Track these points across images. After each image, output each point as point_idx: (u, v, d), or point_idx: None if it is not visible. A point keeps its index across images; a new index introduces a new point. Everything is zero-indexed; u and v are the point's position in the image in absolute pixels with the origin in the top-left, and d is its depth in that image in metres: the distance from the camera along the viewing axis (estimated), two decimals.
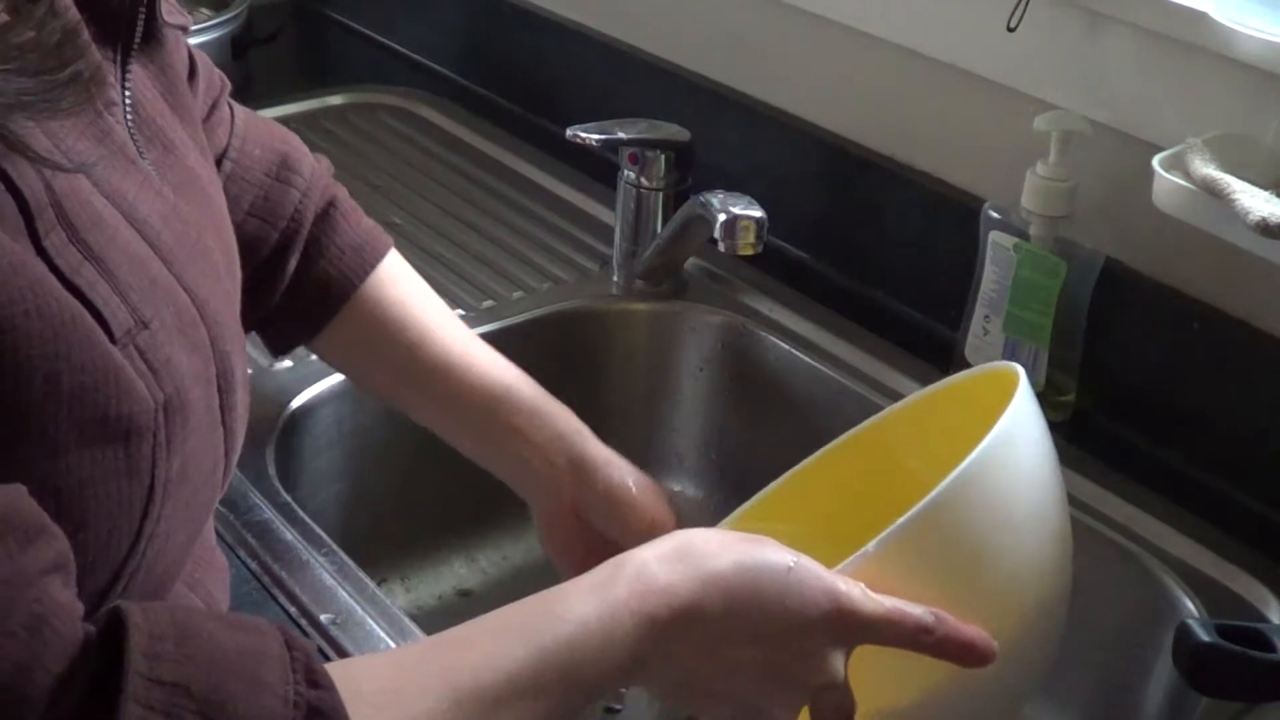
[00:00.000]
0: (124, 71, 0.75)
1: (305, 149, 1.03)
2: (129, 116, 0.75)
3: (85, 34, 0.67)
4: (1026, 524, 0.80)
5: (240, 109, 1.00)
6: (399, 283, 1.02)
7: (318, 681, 0.62)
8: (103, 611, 0.62)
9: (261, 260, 0.98)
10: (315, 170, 1.02)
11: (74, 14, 0.67)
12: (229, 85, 0.98)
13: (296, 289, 1.00)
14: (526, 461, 0.98)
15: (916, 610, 0.75)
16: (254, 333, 1.04)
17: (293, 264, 0.99)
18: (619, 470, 0.99)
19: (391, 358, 1.00)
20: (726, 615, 0.71)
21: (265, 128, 1.01)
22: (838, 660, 0.74)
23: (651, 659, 0.71)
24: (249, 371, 0.82)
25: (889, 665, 0.77)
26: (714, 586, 0.71)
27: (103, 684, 0.58)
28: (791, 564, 0.73)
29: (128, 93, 0.75)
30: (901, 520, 0.76)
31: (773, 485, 0.97)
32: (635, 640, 0.70)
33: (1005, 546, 0.79)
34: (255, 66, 1.79)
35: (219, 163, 0.94)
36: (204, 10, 1.75)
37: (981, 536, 0.78)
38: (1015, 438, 0.80)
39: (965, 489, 0.77)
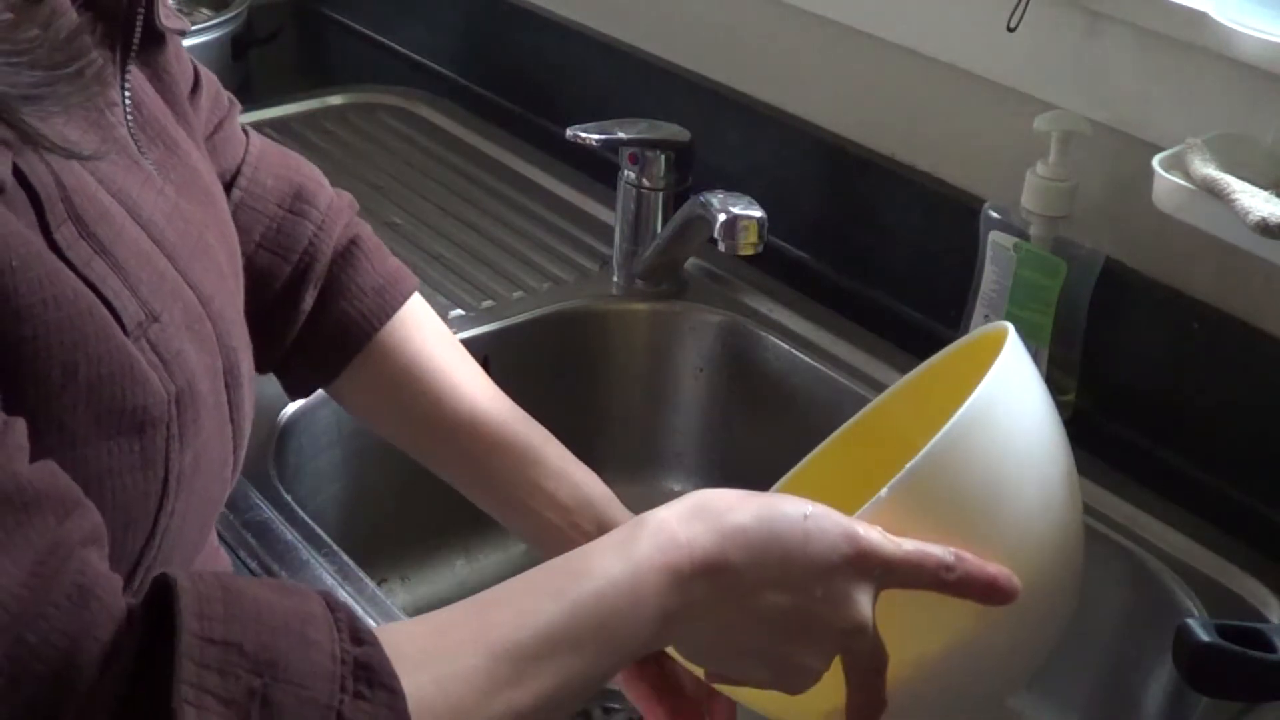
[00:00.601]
0: (123, 72, 0.76)
1: (324, 181, 0.98)
2: (129, 116, 0.75)
3: (88, 32, 0.68)
4: (1032, 462, 0.81)
5: (256, 136, 0.96)
6: (422, 329, 0.98)
7: (362, 639, 0.62)
8: (148, 583, 0.63)
9: (274, 295, 0.93)
10: (334, 204, 0.97)
11: (75, 14, 0.67)
12: (239, 106, 0.95)
13: (314, 330, 0.95)
14: (551, 524, 0.95)
15: (936, 549, 0.75)
16: (299, 397, 1.01)
17: (308, 301, 0.94)
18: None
19: (413, 410, 0.96)
20: (750, 565, 0.71)
21: (280, 158, 0.97)
22: (864, 603, 0.74)
23: (679, 615, 0.71)
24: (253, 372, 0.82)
25: (915, 613, 0.77)
26: (734, 539, 0.71)
27: (152, 649, 0.58)
28: (809, 512, 0.73)
29: (127, 93, 0.76)
30: (911, 464, 0.76)
31: (785, 478, 0.97)
32: (661, 595, 0.70)
33: (1015, 484, 0.80)
34: (255, 66, 1.79)
35: (229, 188, 0.91)
36: (204, 10, 1.75)
37: (991, 474, 0.79)
38: (1013, 379, 0.81)
39: (970, 429, 0.78)
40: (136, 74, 0.77)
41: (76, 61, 0.65)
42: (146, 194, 0.73)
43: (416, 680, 0.63)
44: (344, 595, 0.96)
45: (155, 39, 0.80)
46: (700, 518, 0.72)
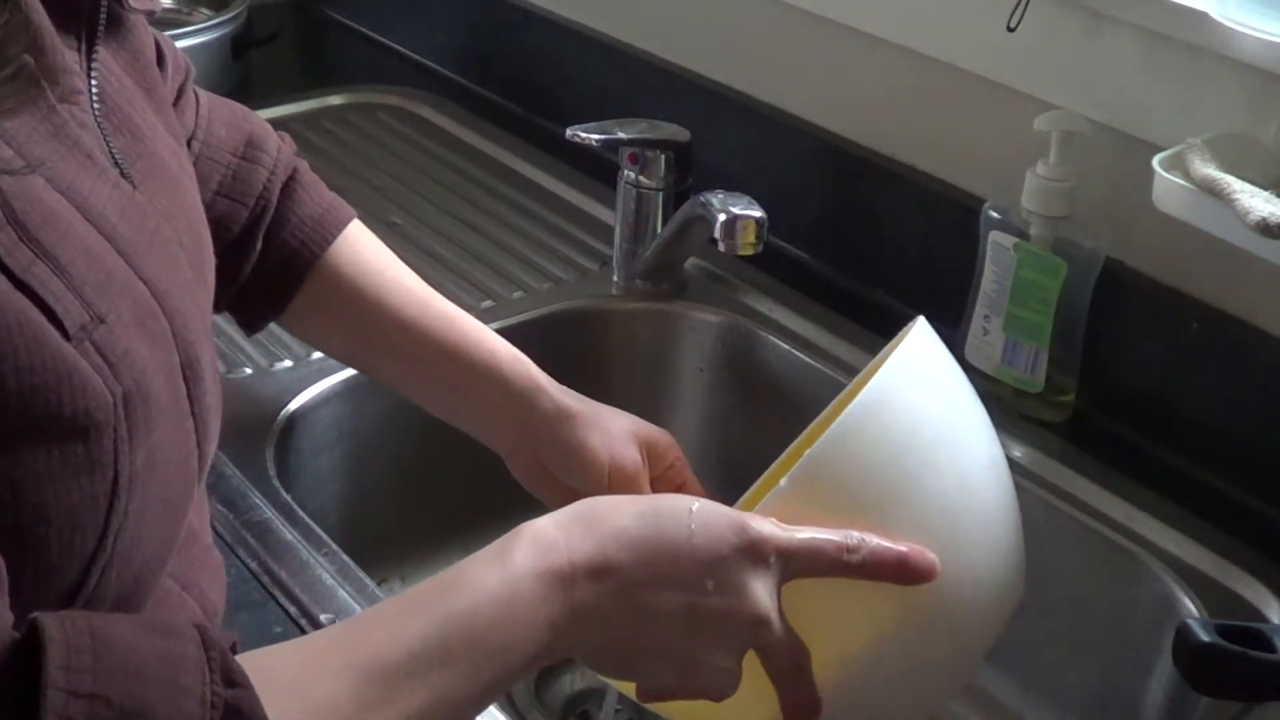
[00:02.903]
0: (89, 59, 0.75)
1: (268, 126, 1.03)
2: (95, 106, 0.75)
3: (30, 31, 0.66)
4: (943, 447, 0.80)
5: (202, 92, 1.00)
6: (360, 250, 1.03)
7: (234, 680, 0.62)
8: (106, 581, 0.63)
9: (233, 239, 0.98)
10: (280, 147, 1.02)
11: (19, 15, 0.66)
12: (193, 69, 0.99)
13: (263, 264, 1.00)
14: (488, 415, 1.00)
15: (834, 533, 0.74)
16: (255, 331, 1.05)
17: (260, 241, 0.99)
18: (577, 425, 0.99)
19: (352, 321, 1.01)
20: (635, 564, 0.71)
21: (227, 108, 1.02)
22: (761, 593, 0.72)
23: (568, 622, 0.70)
24: (219, 365, 0.83)
25: (829, 605, 0.76)
26: (616, 539, 0.71)
27: (22, 704, 0.58)
28: (694, 507, 0.73)
29: (94, 81, 0.75)
30: (807, 453, 0.76)
31: (760, 481, 0.97)
32: (544, 603, 0.69)
33: (924, 469, 0.79)
34: (255, 66, 1.79)
35: (188, 144, 0.94)
36: (204, 10, 1.75)
37: (893, 461, 0.78)
38: (913, 368, 0.82)
39: (865, 419, 0.77)
40: (105, 59, 0.77)
41: (9, 65, 0.65)
42: (99, 188, 0.72)
43: (285, 710, 0.63)
44: (344, 595, 0.96)
45: (121, 22, 0.80)
46: (580, 522, 0.72)
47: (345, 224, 1.03)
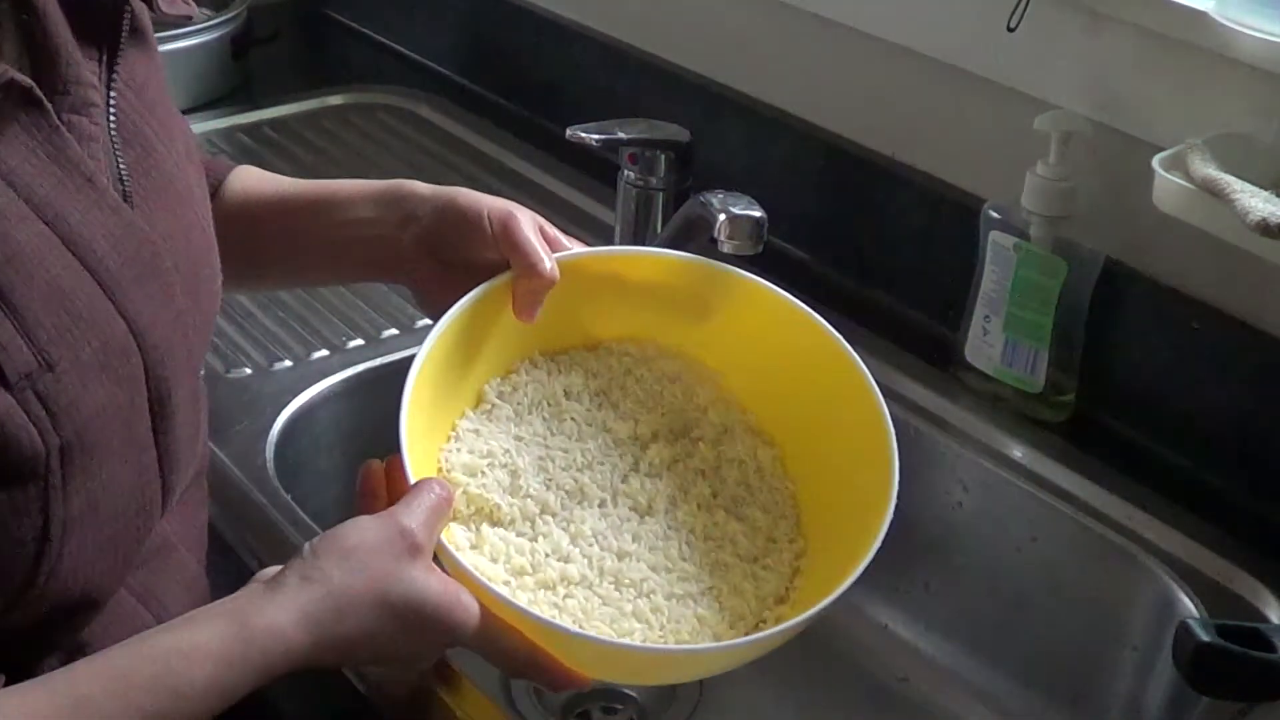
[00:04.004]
0: (110, 70, 0.74)
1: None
2: (112, 119, 0.74)
3: (114, 64, 0.66)
4: None
5: None
6: (244, 176, 1.01)
7: None
8: (43, 601, 0.65)
9: None
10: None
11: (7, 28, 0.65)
12: None
13: None
14: (371, 229, 0.96)
15: (520, 653, 0.82)
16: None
17: None
18: (446, 193, 0.97)
19: (254, 233, 0.99)
20: (343, 658, 0.79)
21: None
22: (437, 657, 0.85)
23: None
24: (201, 392, 0.83)
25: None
26: (332, 651, 0.77)
27: None
28: (412, 612, 0.78)
29: (113, 94, 0.74)
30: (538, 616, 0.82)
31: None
32: (262, 676, 0.74)
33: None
34: (255, 66, 1.79)
35: None
36: (204, 10, 1.75)
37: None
38: None
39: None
40: (128, 66, 0.76)
41: None
42: (92, 216, 0.71)
43: None
44: None
45: (143, 29, 0.79)
46: (316, 628, 0.75)
47: (230, 167, 1.01)
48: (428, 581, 0.78)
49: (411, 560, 0.78)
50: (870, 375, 0.93)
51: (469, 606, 0.79)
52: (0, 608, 0.67)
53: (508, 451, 0.91)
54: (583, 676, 0.84)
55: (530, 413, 0.94)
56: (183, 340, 0.77)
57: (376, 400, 1.23)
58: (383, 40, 1.88)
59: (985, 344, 1.18)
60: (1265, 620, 0.98)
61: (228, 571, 0.93)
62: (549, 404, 0.95)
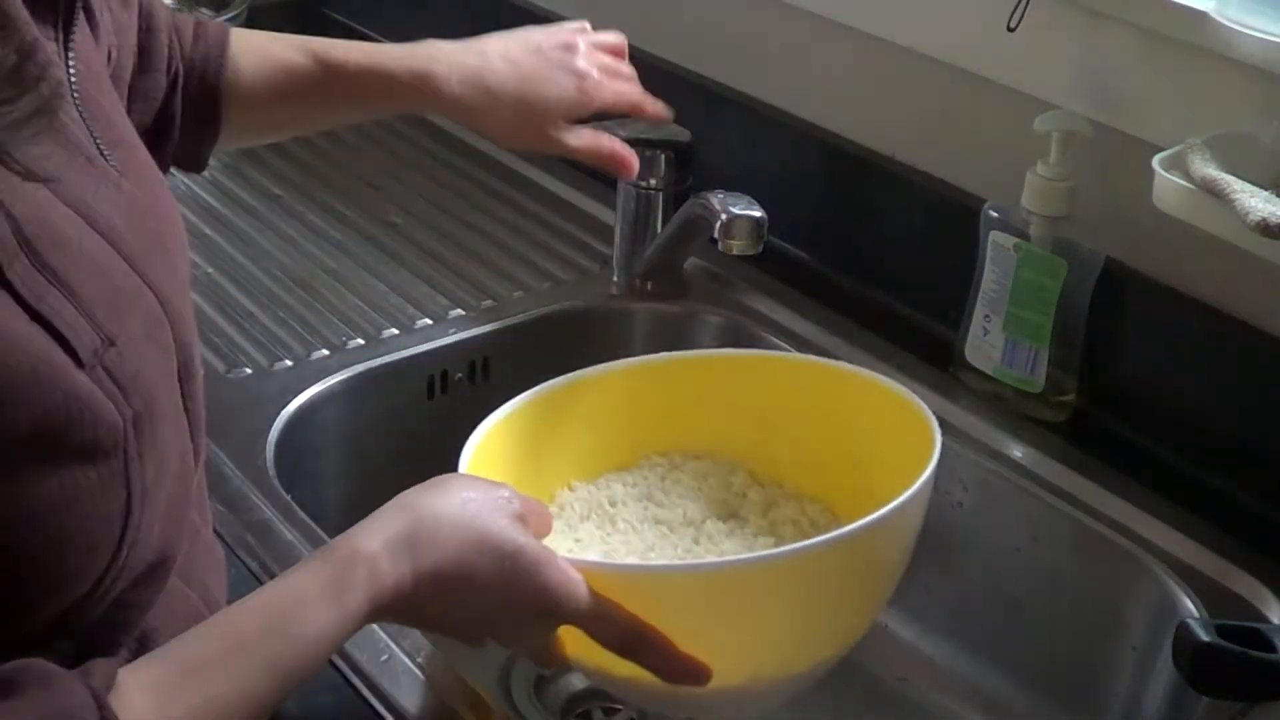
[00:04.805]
0: (66, 48, 0.74)
1: None
2: (75, 97, 0.74)
3: (43, 52, 0.66)
4: (763, 630, 0.84)
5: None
6: (243, 53, 1.07)
7: None
8: (113, 591, 0.66)
9: (160, 108, 0.99)
10: (161, 5, 1.02)
11: (29, 32, 0.65)
12: None
13: (184, 112, 1.02)
14: (411, 79, 1.11)
15: (627, 625, 0.79)
16: (202, 168, 1.08)
17: (179, 96, 1.01)
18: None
19: (292, 93, 1.09)
20: (436, 603, 0.77)
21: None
22: (543, 638, 0.81)
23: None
24: (219, 366, 0.83)
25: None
26: (429, 583, 0.76)
27: None
28: (508, 556, 0.77)
29: (72, 72, 0.74)
30: (659, 569, 0.83)
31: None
32: (360, 622, 0.74)
33: (730, 640, 0.83)
34: None
35: (108, 54, 0.92)
36: (204, 10, 1.75)
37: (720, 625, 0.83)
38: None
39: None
40: (78, 41, 0.75)
41: (31, 91, 0.64)
42: (103, 194, 0.72)
43: None
44: None
45: (89, 4, 0.79)
46: (407, 552, 0.75)
47: (226, 39, 1.05)
48: (529, 536, 0.79)
49: (512, 519, 0.79)
50: (879, 375, 0.98)
51: (573, 573, 0.79)
52: (88, 589, 0.68)
53: (570, 550, 0.92)
54: (700, 665, 0.81)
55: (582, 522, 0.97)
56: (187, 307, 0.78)
57: (376, 400, 1.23)
58: (383, 40, 1.88)
59: (985, 344, 1.18)
60: (1265, 620, 0.98)
61: (227, 572, 0.93)
62: (598, 513, 0.98)
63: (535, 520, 0.81)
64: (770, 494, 1.01)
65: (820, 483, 1.00)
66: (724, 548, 0.96)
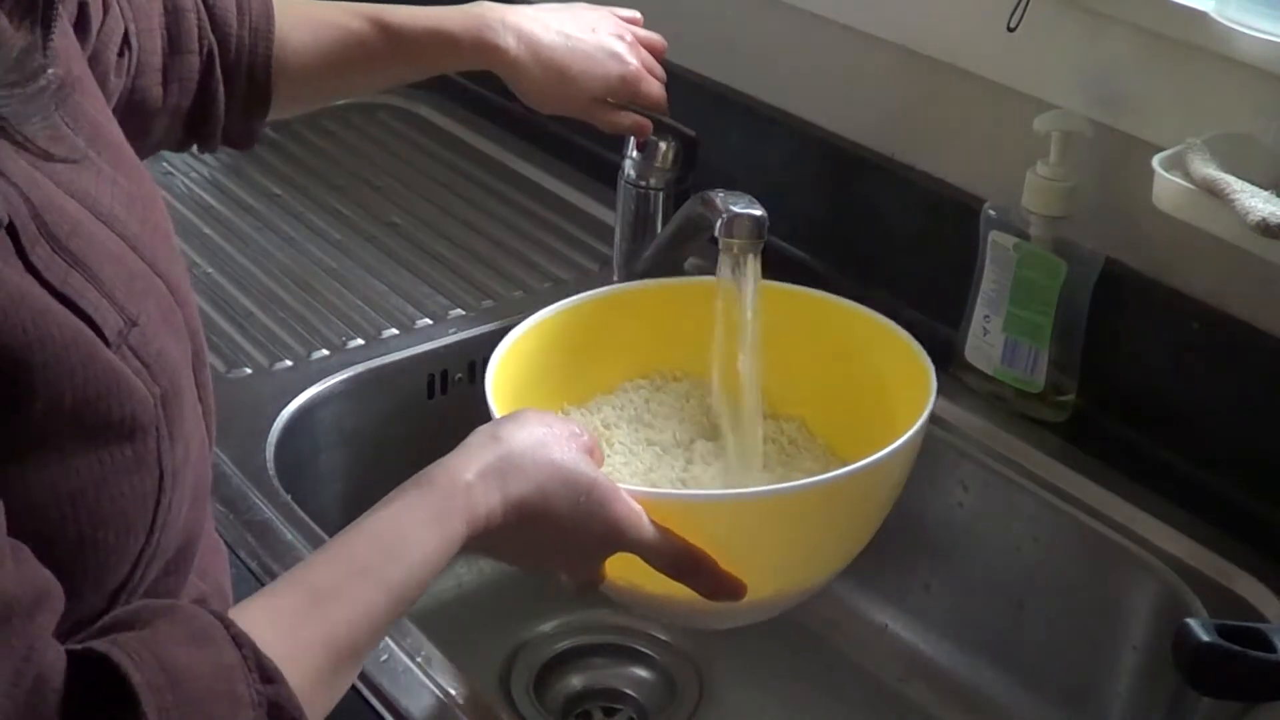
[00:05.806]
0: (45, 43, 0.72)
1: None
2: (55, 93, 0.74)
3: (47, 42, 0.66)
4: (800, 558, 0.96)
5: None
6: (294, 30, 1.07)
7: (270, 676, 0.66)
8: (146, 578, 0.67)
9: (198, 85, 1.00)
10: None
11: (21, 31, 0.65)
12: None
13: (231, 90, 1.03)
14: (465, 37, 1.11)
15: (681, 552, 0.88)
16: (251, 145, 1.09)
17: (219, 74, 1.01)
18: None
19: (326, 71, 1.09)
20: (519, 530, 0.82)
21: None
22: (599, 565, 0.89)
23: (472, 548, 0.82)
24: (219, 365, 0.83)
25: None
26: (517, 510, 0.82)
27: None
28: (584, 490, 0.84)
29: (50, 69, 0.74)
30: (711, 493, 0.94)
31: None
32: (456, 551, 0.79)
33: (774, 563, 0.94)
34: None
35: (125, 39, 0.92)
36: None
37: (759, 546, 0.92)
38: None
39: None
40: (59, 48, 0.73)
41: (36, 78, 0.65)
42: (102, 187, 0.72)
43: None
44: None
45: None
46: (497, 482, 0.81)
47: (271, 14, 1.05)
48: (598, 470, 0.86)
49: (582, 452, 0.86)
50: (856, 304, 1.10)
51: (635, 505, 0.86)
52: (126, 573, 0.68)
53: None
54: (739, 582, 0.89)
55: None
56: (191, 293, 0.79)
57: (376, 400, 1.23)
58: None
59: (985, 344, 1.18)
60: (1265, 620, 0.98)
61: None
62: (595, 433, 1.04)
63: (597, 453, 0.89)
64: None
65: (792, 400, 1.11)
66: (714, 468, 1.05)
